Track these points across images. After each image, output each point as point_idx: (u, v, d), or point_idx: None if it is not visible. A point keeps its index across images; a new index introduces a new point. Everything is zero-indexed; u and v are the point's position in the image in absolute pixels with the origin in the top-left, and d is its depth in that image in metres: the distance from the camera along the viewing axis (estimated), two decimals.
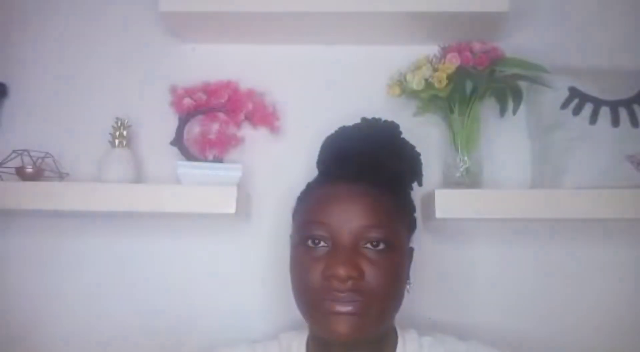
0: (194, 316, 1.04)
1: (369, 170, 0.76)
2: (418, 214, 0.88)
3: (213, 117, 1.06)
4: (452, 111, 0.99)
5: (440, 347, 0.80)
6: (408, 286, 0.78)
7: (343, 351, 0.75)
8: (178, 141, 1.02)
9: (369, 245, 0.72)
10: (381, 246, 0.72)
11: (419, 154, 0.89)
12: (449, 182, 0.99)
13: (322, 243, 0.73)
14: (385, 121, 0.89)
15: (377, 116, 0.90)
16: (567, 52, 1.08)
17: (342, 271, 0.68)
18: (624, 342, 1.01)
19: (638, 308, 1.01)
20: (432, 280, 1.02)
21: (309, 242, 0.73)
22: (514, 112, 1.03)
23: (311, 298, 0.72)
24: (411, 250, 0.82)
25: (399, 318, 0.80)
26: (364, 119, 0.90)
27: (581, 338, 1.01)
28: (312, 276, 0.71)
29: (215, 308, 1.04)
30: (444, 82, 0.96)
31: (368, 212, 0.72)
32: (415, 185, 0.90)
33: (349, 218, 0.72)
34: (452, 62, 0.97)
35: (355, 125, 0.89)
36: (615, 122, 0.96)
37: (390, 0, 0.98)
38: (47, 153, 1.03)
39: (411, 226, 0.82)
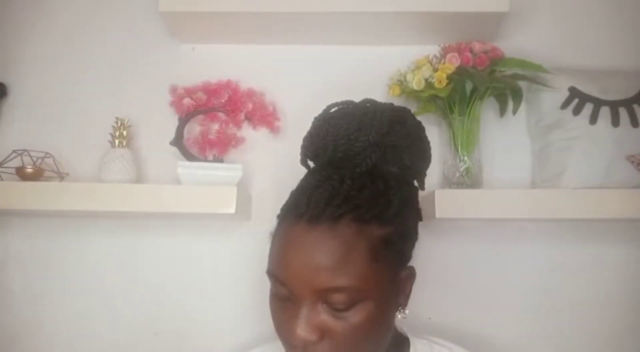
0: (193, 316, 1.04)
1: (336, 201, 0.62)
2: None
3: (213, 117, 1.06)
4: (452, 111, 1.00)
5: None
6: (403, 314, 0.69)
7: None
8: (178, 141, 1.02)
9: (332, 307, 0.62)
10: (345, 307, 0.61)
11: (428, 142, 0.75)
12: (449, 182, 0.99)
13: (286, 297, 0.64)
14: (392, 109, 0.71)
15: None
16: (567, 52, 1.08)
17: (299, 333, 0.61)
18: (624, 342, 1.01)
19: (638, 308, 1.01)
20: (432, 280, 1.02)
21: (276, 295, 0.66)
22: (514, 112, 1.03)
23: (284, 344, 0.66)
24: (410, 272, 0.69)
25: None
26: (347, 103, 0.74)
27: (581, 338, 1.01)
28: (281, 326, 0.65)
29: (215, 308, 1.04)
30: (444, 82, 0.96)
31: (329, 270, 0.60)
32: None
33: (307, 278, 0.60)
34: (452, 62, 0.97)
35: (339, 118, 0.70)
36: (615, 122, 0.96)
37: (391, 0, 0.98)
38: (47, 153, 1.03)
39: (409, 246, 0.70)
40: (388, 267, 0.65)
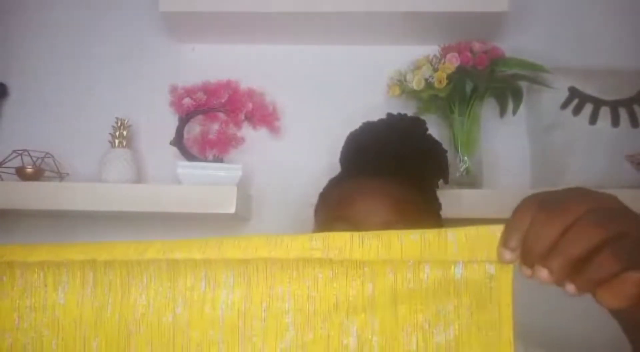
0: None
1: (391, 165, 0.75)
2: None
3: (213, 117, 1.06)
4: (452, 111, 1.00)
5: None
6: None
7: None
8: (178, 141, 1.02)
9: None
10: None
11: (445, 151, 0.86)
12: (449, 182, 0.99)
13: None
14: (411, 117, 0.87)
15: (379, 116, 0.88)
16: (567, 52, 1.08)
17: None
18: (623, 342, 1.01)
19: None
20: None
21: None
22: (514, 112, 1.03)
23: None
24: None
25: None
26: (389, 115, 0.88)
27: (579, 338, 1.01)
28: None
29: None
30: (444, 82, 0.96)
31: (391, 207, 0.71)
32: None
33: (372, 213, 0.70)
34: (452, 62, 0.97)
35: (380, 121, 0.87)
36: (615, 122, 0.96)
37: (391, 0, 0.98)
38: (47, 153, 1.03)
39: (436, 225, 0.80)
40: (428, 227, 0.72)
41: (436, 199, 0.83)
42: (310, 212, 0.79)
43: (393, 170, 0.74)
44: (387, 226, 0.69)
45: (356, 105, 0.97)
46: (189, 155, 1.02)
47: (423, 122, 0.86)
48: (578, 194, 0.42)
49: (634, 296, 0.40)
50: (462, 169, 0.97)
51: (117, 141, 1.02)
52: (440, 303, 0.43)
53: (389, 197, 0.72)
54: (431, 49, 1.04)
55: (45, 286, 0.46)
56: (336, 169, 0.83)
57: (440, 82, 0.96)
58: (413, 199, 0.74)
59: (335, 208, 0.74)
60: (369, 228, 0.69)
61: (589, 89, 0.99)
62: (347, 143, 0.86)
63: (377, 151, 0.79)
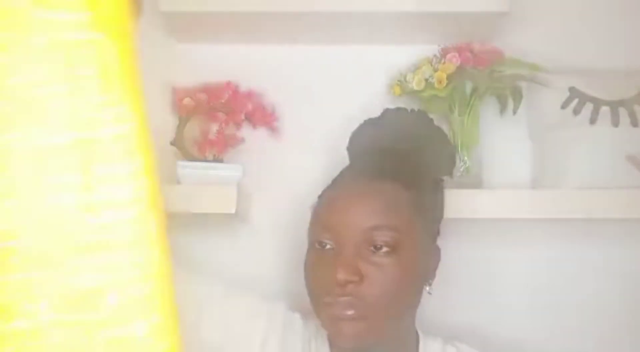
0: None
1: (382, 166, 0.74)
2: None
3: (213, 117, 1.06)
4: (452, 111, 1.00)
5: None
6: (428, 287, 0.76)
7: None
8: (178, 141, 1.03)
9: (373, 247, 0.69)
10: (385, 249, 0.69)
11: (450, 144, 0.87)
12: (449, 182, 0.99)
13: (328, 246, 0.72)
14: (412, 110, 0.87)
15: (389, 111, 0.90)
16: (567, 52, 1.08)
17: (340, 275, 0.67)
18: (623, 343, 1.01)
19: (637, 308, 1.01)
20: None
21: (317, 245, 0.73)
22: (514, 112, 1.03)
23: (318, 301, 0.72)
24: (437, 249, 0.79)
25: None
26: (386, 110, 0.87)
27: (579, 338, 1.01)
28: (318, 279, 0.71)
29: None
30: (444, 82, 0.96)
31: (374, 212, 0.70)
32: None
33: (353, 220, 0.70)
34: (452, 62, 0.97)
35: (379, 118, 0.87)
36: (615, 122, 0.96)
37: (390, 0, 0.98)
38: None
39: (436, 222, 0.80)
40: (424, 227, 0.74)
41: (438, 196, 0.81)
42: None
43: (382, 171, 0.73)
44: (367, 232, 0.69)
45: (356, 106, 0.97)
46: (189, 156, 1.02)
47: (423, 115, 0.88)
48: None
49: None
50: (462, 169, 0.97)
51: None
52: None
53: (372, 202, 0.70)
54: (431, 49, 1.04)
55: None
56: (336, 169, 0.83)
57: (440, 82, 0.96)
58: (402, 201, 0.72)
59: (320, 213, 0.75)
60: (348, 235, 0.69)
61: (589, 89, 0.99)
62: (348, 142, 0.85)
63: (367, 151, 0.79)
